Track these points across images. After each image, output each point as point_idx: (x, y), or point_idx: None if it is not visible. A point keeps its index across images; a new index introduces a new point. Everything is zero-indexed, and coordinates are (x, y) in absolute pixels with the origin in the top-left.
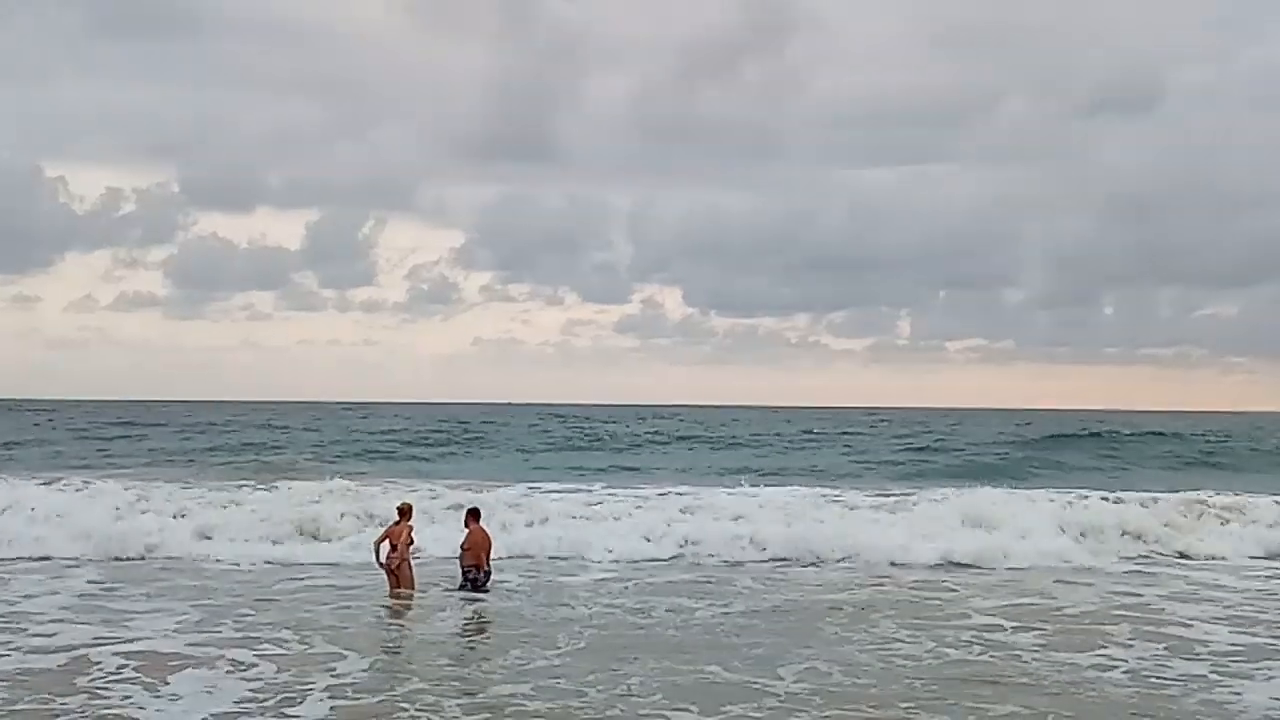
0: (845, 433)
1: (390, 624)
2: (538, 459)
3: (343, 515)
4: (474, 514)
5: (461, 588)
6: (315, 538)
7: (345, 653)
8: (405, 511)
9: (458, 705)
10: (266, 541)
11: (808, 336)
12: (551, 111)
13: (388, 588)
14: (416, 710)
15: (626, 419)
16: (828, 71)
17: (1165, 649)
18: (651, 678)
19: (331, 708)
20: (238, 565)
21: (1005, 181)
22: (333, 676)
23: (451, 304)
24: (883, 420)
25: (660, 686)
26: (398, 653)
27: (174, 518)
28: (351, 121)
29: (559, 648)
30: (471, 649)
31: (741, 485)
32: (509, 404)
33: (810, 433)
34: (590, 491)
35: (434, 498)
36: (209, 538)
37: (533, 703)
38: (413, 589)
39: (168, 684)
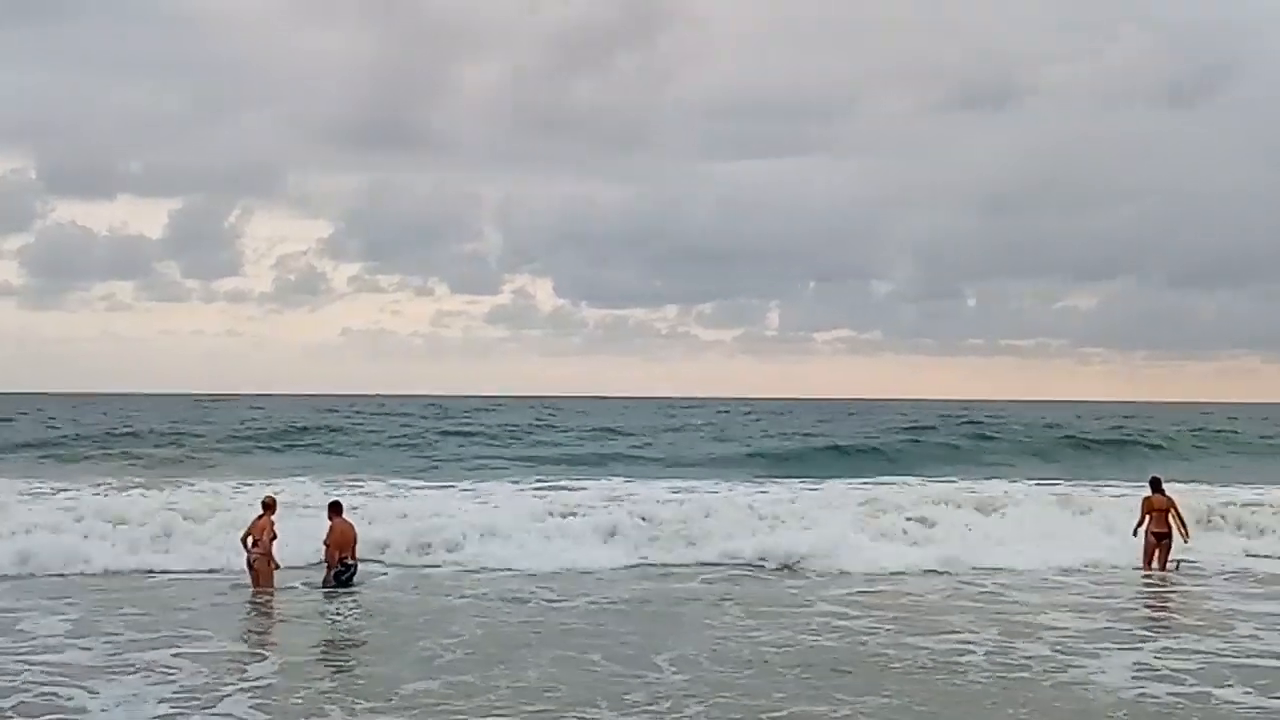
0: (711, 422)
1: (287, 621)
2: (404, 452)
3: (208, 513)
4: (336, 508)
5: (326, 583)
6: (176, 536)
7: (254, 653)
8: (269, 506)
9: (380, 704)
10: (130, 543)
11: (677, 327)
12: (422, 99)
13: (252, 586)
14: (344, 712)
15: (495, 410)
16: (699, 63)
17: (1011, 634)
18: (548, 669)
19: (251, 706)
20: (107, 570)
21: (872, 175)
22: (245, 680)
23: (320, 294)
24: (749, 411)
25: (559, 677)
26: (305, 652)
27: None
28: (217, 107)
29: (455, 639)
30: (372, 645)
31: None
32: (379, 395)
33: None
34: (453, 486)
35: (298, 492)
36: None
37: (452, 700)
38: (272, 586)
39: (96, 694)
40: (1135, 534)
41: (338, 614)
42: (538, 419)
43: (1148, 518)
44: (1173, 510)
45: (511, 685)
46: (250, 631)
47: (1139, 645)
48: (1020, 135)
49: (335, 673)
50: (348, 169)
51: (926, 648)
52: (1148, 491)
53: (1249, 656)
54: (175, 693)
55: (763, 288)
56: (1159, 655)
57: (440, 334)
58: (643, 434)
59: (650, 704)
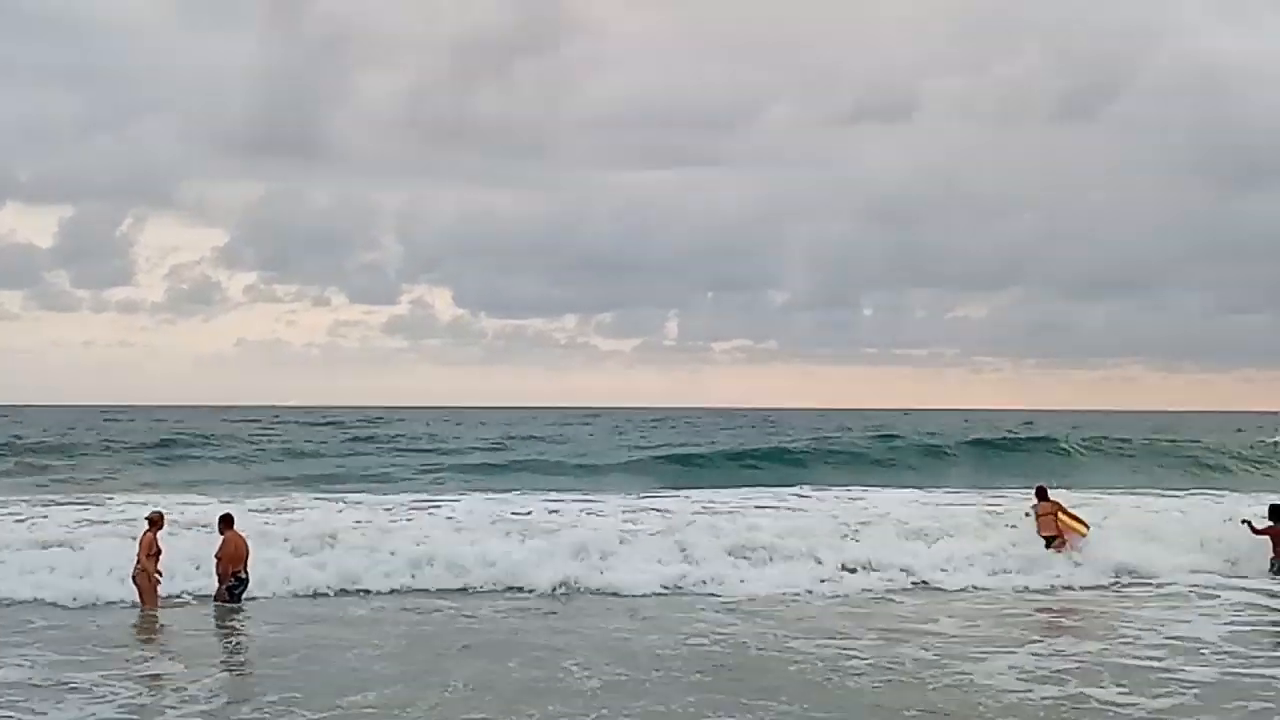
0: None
1: (205, 637)
2: (298, 464)
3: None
4: (228, 521)
5: (219, 597)
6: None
7: (187, 670)
8: (155, 521)
9: (327, 714)
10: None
11: (577, 337)
12: (320, 108)
13: (141, 603)
14: None
15: (391, 421)
16: (600, 73)
17: (892, 639)
18: (473, 678)
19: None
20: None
21: (770, 186)
22: (188, 697)
23: (214, 304)
24: (654, 420)
25: (486, 685)
26: (238, 667)
27: None
28: (110, 115)
29: (377, 650)
30: (303, 657)
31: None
32: (274, 406)
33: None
34: (337, 499)
35: (187, 505)
36: None
37: (391, 709)
38: (157, 604)
39: (44, 715)
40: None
41: (250, 629)
42: (432, 430)
43: (1038, 523)
44: (1060, 512)
45: (443, 694)
46: (170, 650)
47: (1018, 649)
48: (916, 147)
49: (275, 686)
50: (244, 177)
51: (811, 653)
52: (1034, 500)
53: (1125, 659)
54: (120, 711)
55: (661, 298)
56: (1040, 657)
57: (337, 344)
58: (532, 443)
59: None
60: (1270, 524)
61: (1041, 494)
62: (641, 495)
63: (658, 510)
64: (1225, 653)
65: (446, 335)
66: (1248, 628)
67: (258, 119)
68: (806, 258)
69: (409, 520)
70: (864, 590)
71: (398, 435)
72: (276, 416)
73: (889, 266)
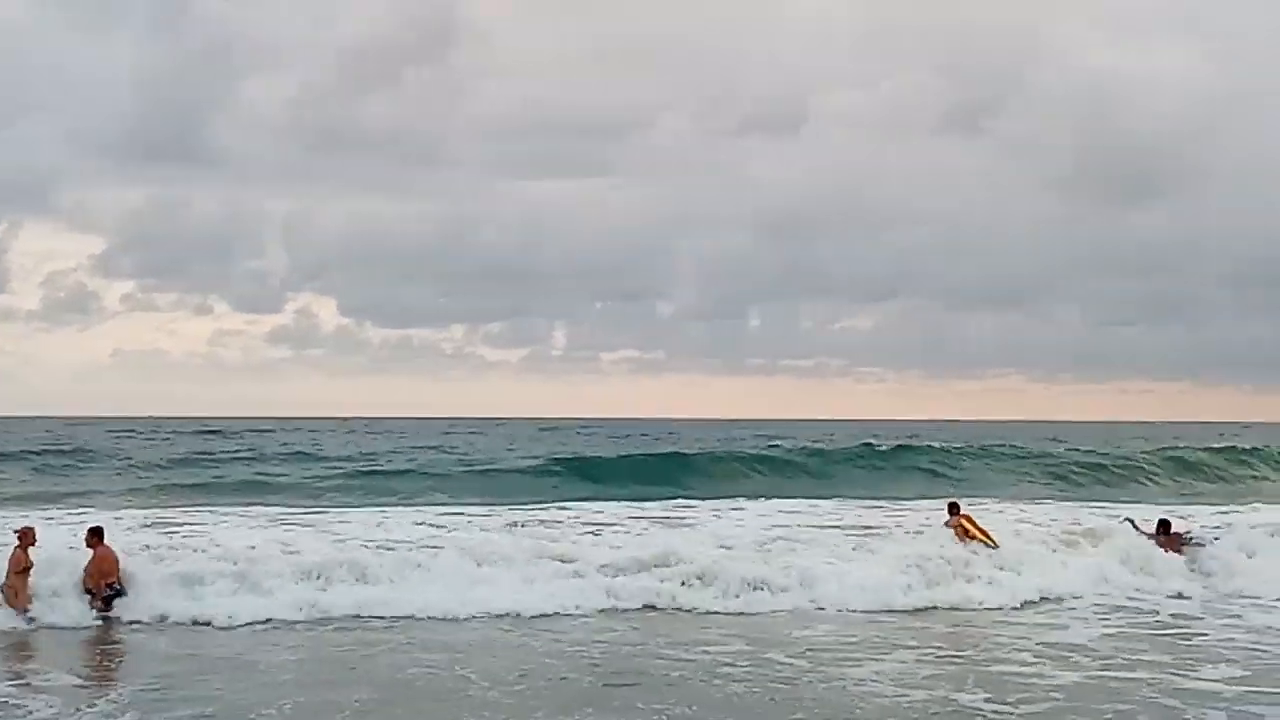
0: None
1: (98, 650)
2: (165, 475)
3: None
4: (97, 534)
5: (94, 608)
6: None
7: (89, 685)
8: (24, 536)
9: None
10: None
11: (464, 347)
12: (204, 113)
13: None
14: None
15: (276, 431)
16: (491, 82)
17: (766, 646)
18: (368, 707)
19: None
20: None
21: (660, 196)
22: (99, 713)
23: (90, 313)
24: (542, 431)
25: (388, 699)
26: (141, 682)
27: None
28: None
29: (268, 672)
30: (203, 670)
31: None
32: (152, 417)
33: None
34: (211, 510)
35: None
36: None
37: None
38: (25, 616)
39: None
40: None
41: (141, 644)
42: (314, 441)
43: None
44: (969, 526)
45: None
46: (67, 664)
47: (887, 655)
48: (806, 160)
49: (184, 701)
50: (125, 184)
51: (691, 659)
52: (946, 515)
53: (996, 665)
54: None
55: (550, 308)
56: (909, 665)
57: (218, 354)
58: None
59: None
60: (1158, 535)
61: (953, 509)
62: (524, 506)
63: (543, 521)
64: (1097, 657)
65: (331, 345)
66: (1117, 631)
67: (140, 124)
68: (695, 268)
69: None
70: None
71: (280, 445)
72: (155, 429)
73: (777, 278)
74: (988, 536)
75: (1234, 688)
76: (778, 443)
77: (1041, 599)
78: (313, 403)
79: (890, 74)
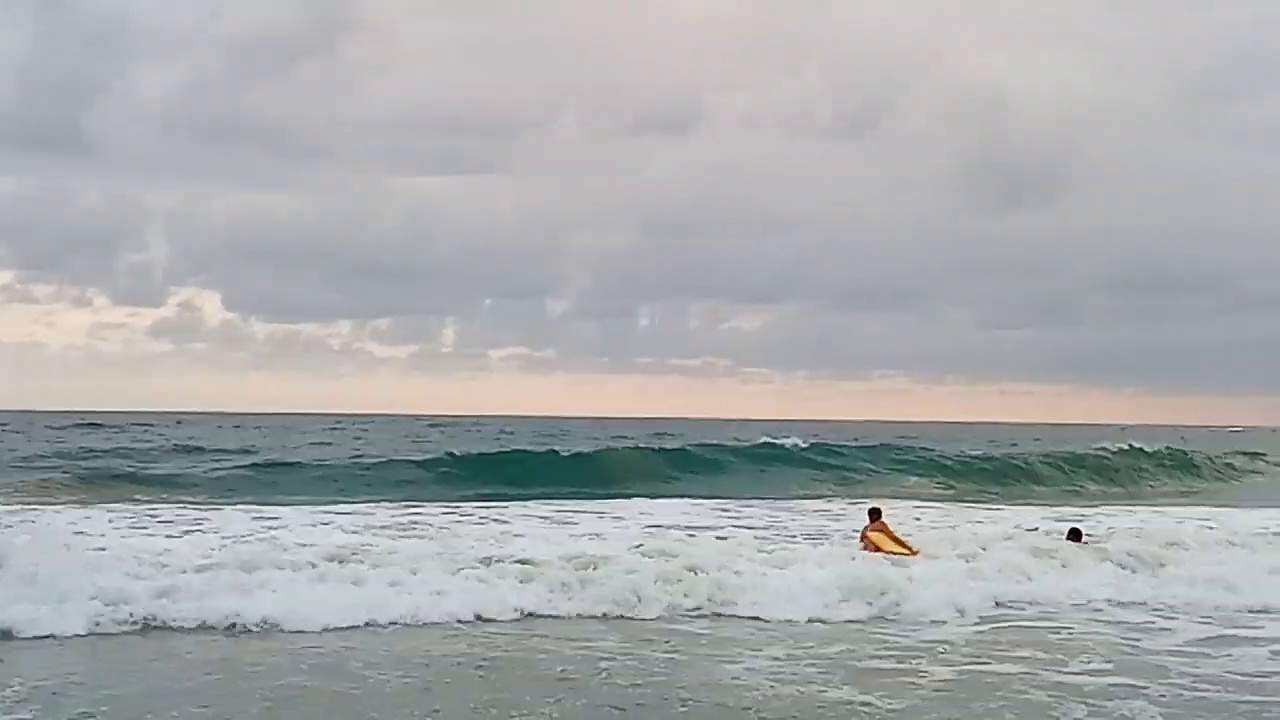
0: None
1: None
2: (39, 472)
3: None
4: None
5: None
6: None
7: None
8: None
9: None
10: None
11: (351, 343)
12: (88, 102)
13: None
14: None
15: (156, 426)
16: (382, 77)
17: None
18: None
19: None
20: None
21: (551, 194)
22: None
23: None
24: (430, 428)
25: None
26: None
27: None
28: None
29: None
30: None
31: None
32: (28, 411)
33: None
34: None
35: None
36: None
37: None
38: None
39: None
40: None
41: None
42: (191, 436)
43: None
44: (884, 534)
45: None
46: None
47: (763, 650)
48: (697, 160)
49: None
50: (3, 172)
51: (568, 654)
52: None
53: (868, 660)
54: None
55: (439, 304)
56: (782, 661)
57: (98, 347)
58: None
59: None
60: (1070, 542)
61: (873, 515)
62: (410, 504)
63: (419, 520)
64: (970, 654)
65: (215, 339)
66: (993, 628)
67: (20, 111)
68: (586, 267)
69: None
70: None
71: (158, 440)
72: (30, 422)
73: (667, 277)
74: (903, 546)
75: (1097, 680)
76: (676, 444)
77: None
78: (195, 398)
79: (782, 77)
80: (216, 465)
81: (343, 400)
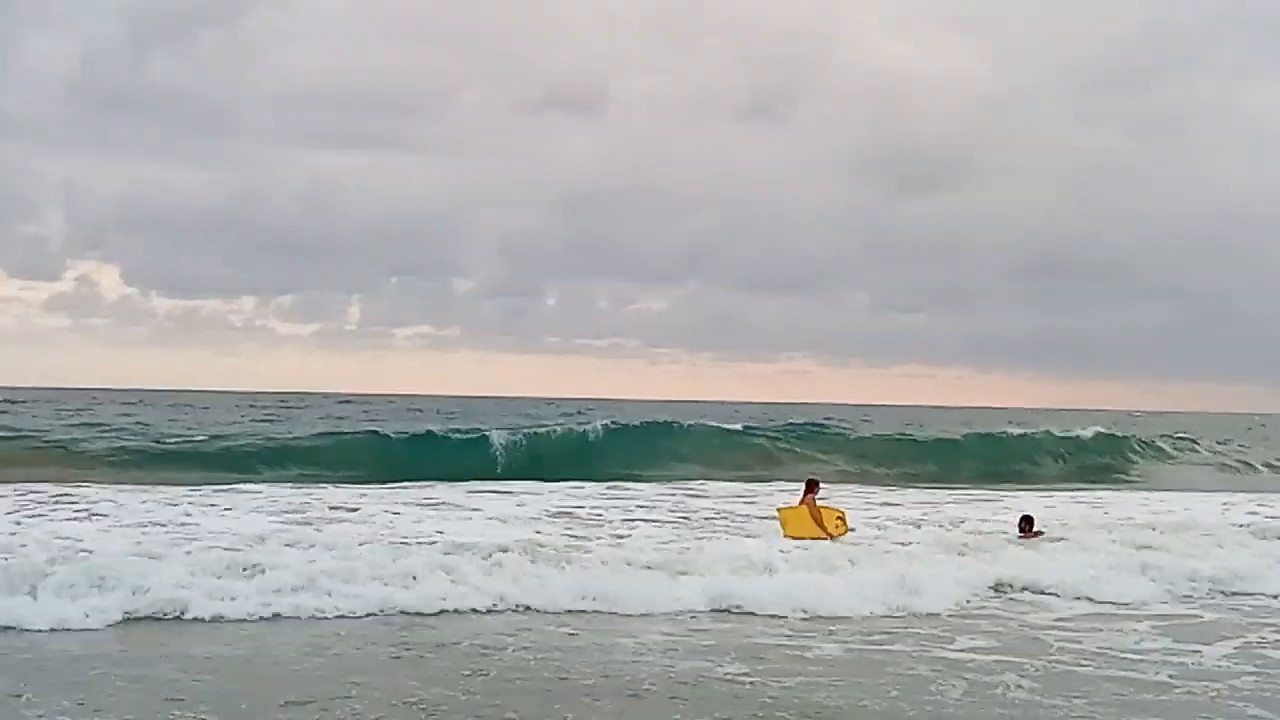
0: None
1: None
2: None
3: None
4: None
5: None
6: None
7: None
8: None
9: None
10: None
11: (254, 320)
12: None
13: None
14: None
15: (44, 403)
16: (287, 49)
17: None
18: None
19: None
20: None
21: (458, 172)
22: None
23: None
24: (336, 406)
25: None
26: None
27: None
28: None
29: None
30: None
31: None
32: None
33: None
34: None
35: None
36: None
37: None
38: None
39: None
40: None
41: None
42: (92, 413)
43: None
44: (808, 512)
45: None
46: None
47: (659, 624)
48: (606, 140)
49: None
50: None
51: (463, 642)
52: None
53: (758, 638)
54: None
55: (344, 281)
56: (682, 635)
57: None
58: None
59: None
60: (1022, 531)
61: (810, 487)
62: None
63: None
64: (863, 632)
65: (114, 314)
66: (883, 606)
67: None
68: (492, 246)
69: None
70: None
71: (54, 416)
72: None
73: (574, 257)
74: (823, 528)
75: (981, 657)
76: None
77: None
78: (93, 374)
79: (688, 58)
80: (115, 443)
81: (245, 378)
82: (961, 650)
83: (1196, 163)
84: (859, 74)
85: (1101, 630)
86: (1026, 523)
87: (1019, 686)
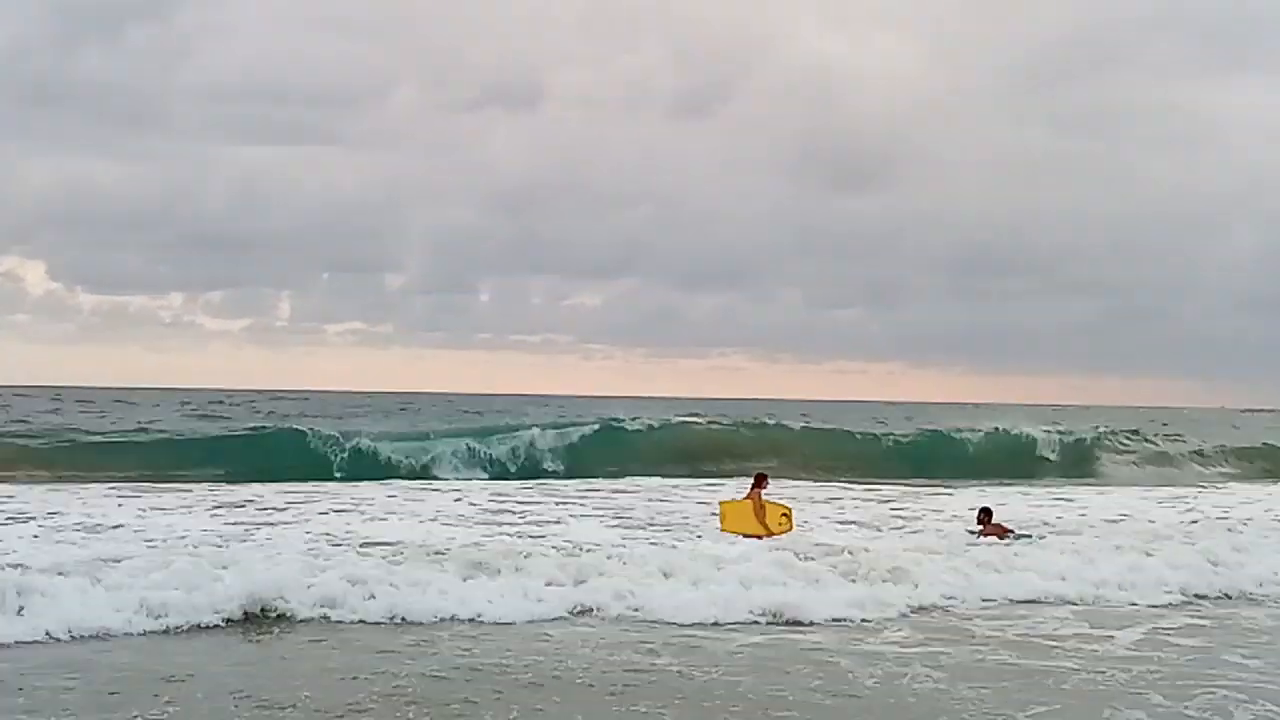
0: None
1: None
2: None
3: None
4: None
5: None
6: None
7: None
8: None
9: None
10: None
11: (183, 316)
12: None
13: None
14: None
15: None
16: (217, 43)
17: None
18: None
19: None
20: None
21: (390, 167)
22: None
23: None
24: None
25: None
26: None
27: None
28: None
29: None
30: None
31: None
32: None
33: None
34: None
35: None
36: None
37: None
38: None
39: None
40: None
41: None
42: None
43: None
44: (751, 508)
45: None
46: None
47: (583, 617)
48: (539, 136)
49: None
50: None
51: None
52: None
53: (687, 631)
54: None
55: (275, 277)
56: (609, 625)
57: None
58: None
59: None
60: (982, 525)
61: (758, 481)
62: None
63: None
64: (784, 620)
65: (39, 310)
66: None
67: None
68: (425, 241)
69: None
70: None
71: None
72: None
73: (507, 253)
74: (764, 525)
75: (901, 649)
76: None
77: None
78: (17, 371)
79: (622, 54)
80: (36, 441)
81: (174, 375)
82: (885, 644)
83: (1126, 161)
84: (793, 71)
85: (1027, 618)
86: (985, 514)
87: (928, 677)
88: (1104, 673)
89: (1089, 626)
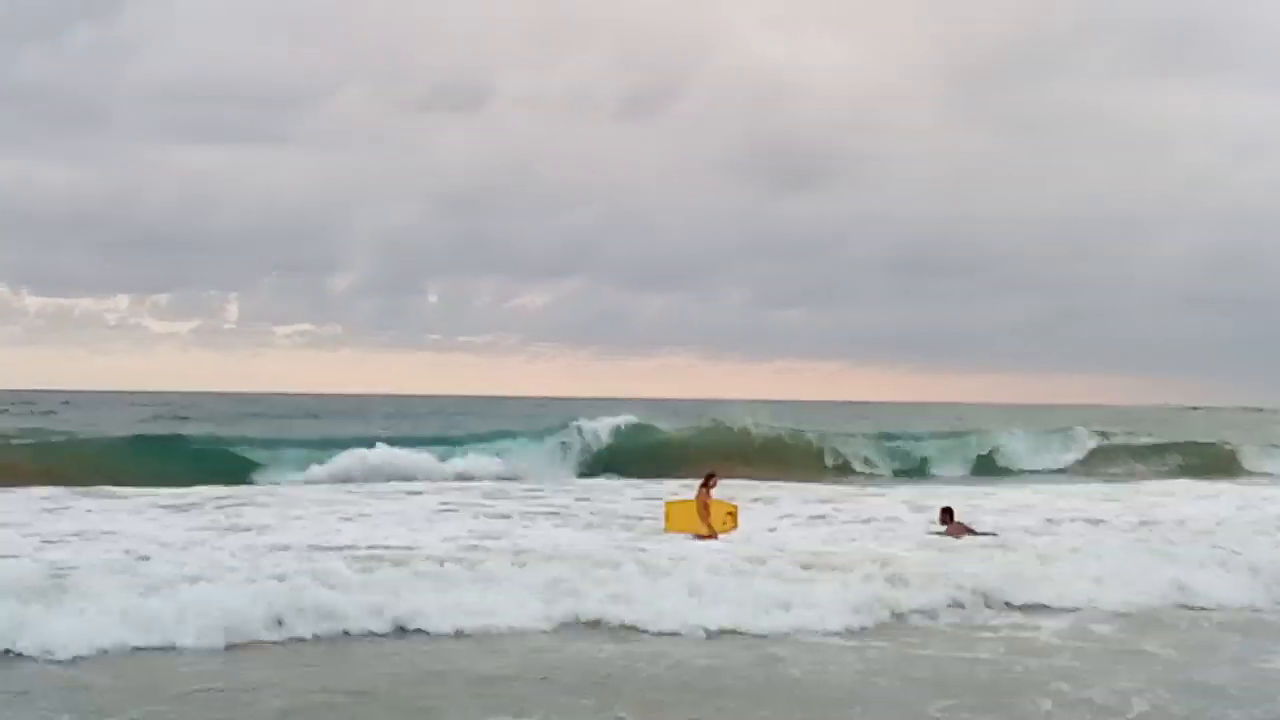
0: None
1: None
2: None
3: None
4: None
5: None
6: None
7: None
8: None
9: None
10: None
11: (129, 318)
12: None
13: None
14: None
15: None
16: (161, 42)
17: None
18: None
19: None
20: None
21: (338, 168)
22: None
23: None
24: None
25: None
26: None
27: None
28: None
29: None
30: None
31: None
32: None
33: None
34: None
35: None
36: None
37: None
38: None
39: None
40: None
41: None
42: None
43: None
44: (697, 508)
45: None
46: None
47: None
48: (485, 137)
49: None
50: None
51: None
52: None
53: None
54: None
55: (222, 279)
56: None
57: None
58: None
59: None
60: (944, 523)
61: (706, 480)
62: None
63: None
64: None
65: None
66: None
67: None
68: (373, 242)
69: None
70: None
71: None
72: None
73: (455, 254)
74: (709, 526)
75: (841, 641)
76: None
77: None
78: None
79: (569, 57)
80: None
81: (120, 378)
82: (828, 635)
83: (1064, 163)
84: (737, 73)
85: (972, 617)
86: (947, 514)
87: (859, 666)
88: (1027, 661)
89: (1021, 616)
